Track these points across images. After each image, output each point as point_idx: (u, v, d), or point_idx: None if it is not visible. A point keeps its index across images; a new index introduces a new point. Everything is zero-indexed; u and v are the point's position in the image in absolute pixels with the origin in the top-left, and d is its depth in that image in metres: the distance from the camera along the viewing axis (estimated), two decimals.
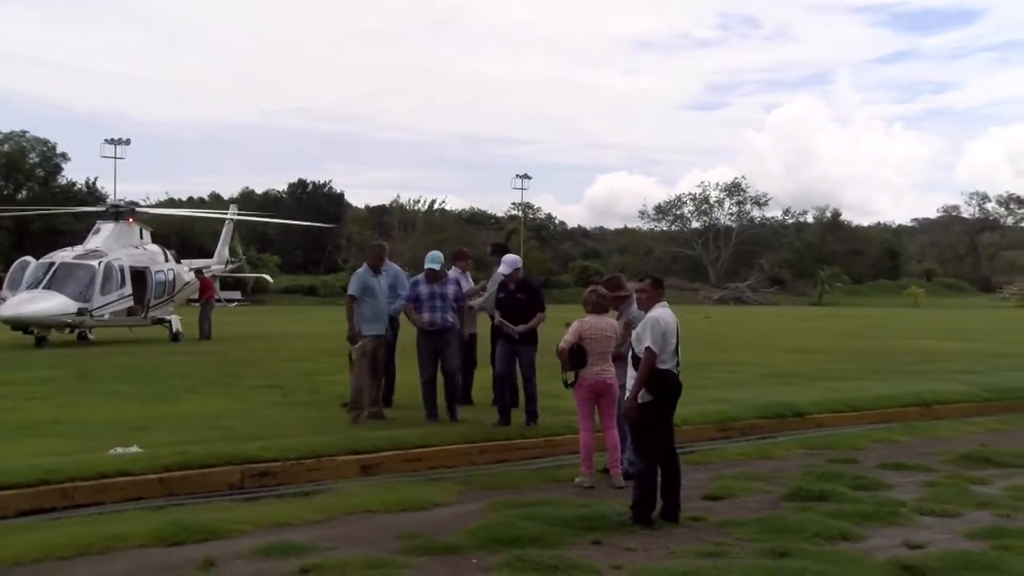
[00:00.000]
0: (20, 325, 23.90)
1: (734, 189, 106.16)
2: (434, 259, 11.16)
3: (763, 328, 37.26)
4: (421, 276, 11.26)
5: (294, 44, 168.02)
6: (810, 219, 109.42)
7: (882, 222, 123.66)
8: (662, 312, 7.66)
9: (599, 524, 7.29)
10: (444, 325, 11.03)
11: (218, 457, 8.91)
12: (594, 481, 8.93)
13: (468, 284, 12.46)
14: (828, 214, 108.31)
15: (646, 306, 7.87)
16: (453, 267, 12.37)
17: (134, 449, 9.04)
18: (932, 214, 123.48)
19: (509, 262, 11.02)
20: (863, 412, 13.39)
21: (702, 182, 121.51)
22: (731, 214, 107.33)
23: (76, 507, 7.85)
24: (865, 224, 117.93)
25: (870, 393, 14.66)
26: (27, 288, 24.33)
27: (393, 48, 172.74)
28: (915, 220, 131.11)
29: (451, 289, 11.18)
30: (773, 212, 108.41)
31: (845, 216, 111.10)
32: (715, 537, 7.04)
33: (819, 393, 14.55)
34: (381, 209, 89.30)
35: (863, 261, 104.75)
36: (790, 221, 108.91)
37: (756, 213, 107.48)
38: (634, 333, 7.75)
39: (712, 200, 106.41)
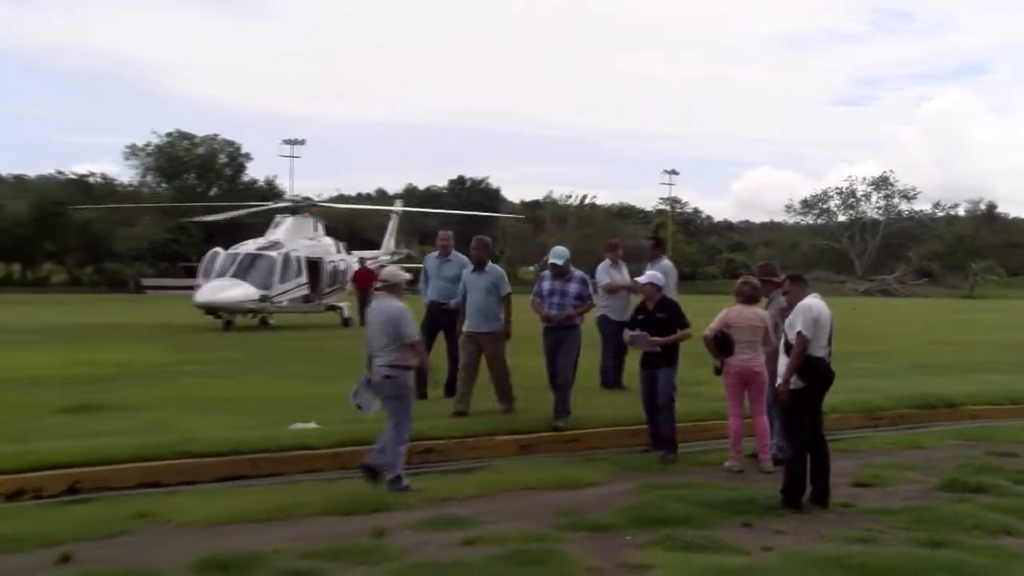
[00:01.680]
0: (211, 310, 25.24)
1: (882, 183, 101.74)
2: (557, 255, 10.09)
3: (911, 319, 35.55)
4: (545, 272, 10.32)
5: (453, 48, 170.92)
6: (962, 212, 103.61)
7: None
8: (814, 300, 7.45)
9: (748, 507, 7.14)
10: (561, 322, 10.00)
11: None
12: (743, 465, 8.75)
13: (620, 275, 12.24)
14: (982, 206, 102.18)
15: (793, 302, 7.65)
16: (606, 258, 12.27)
17: (312, 425, 9.39)
18: None
19: (649, 276, 9.82)
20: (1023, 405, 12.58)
21: (849, 176, 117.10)
22: (878, 208, 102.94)
23: (262, 476, 8.21)
24: None
25: None
26: (217, 276, 25.69)
27: (546, 50, 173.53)
28: None
29: (573, 287, 10.02)
30: (922, 206, 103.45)
31: (1001, 208, 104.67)
32: (865, 524, 6.77)
33: (972, 385, 13.73)
34: (535, 204, 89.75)
35: (1020, 254, 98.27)
36: (940, 214, 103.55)
37: (904, 207, 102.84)
38: (787, 320, 7.55)
39: (859, 194, 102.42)
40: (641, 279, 9.87)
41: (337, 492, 7.51)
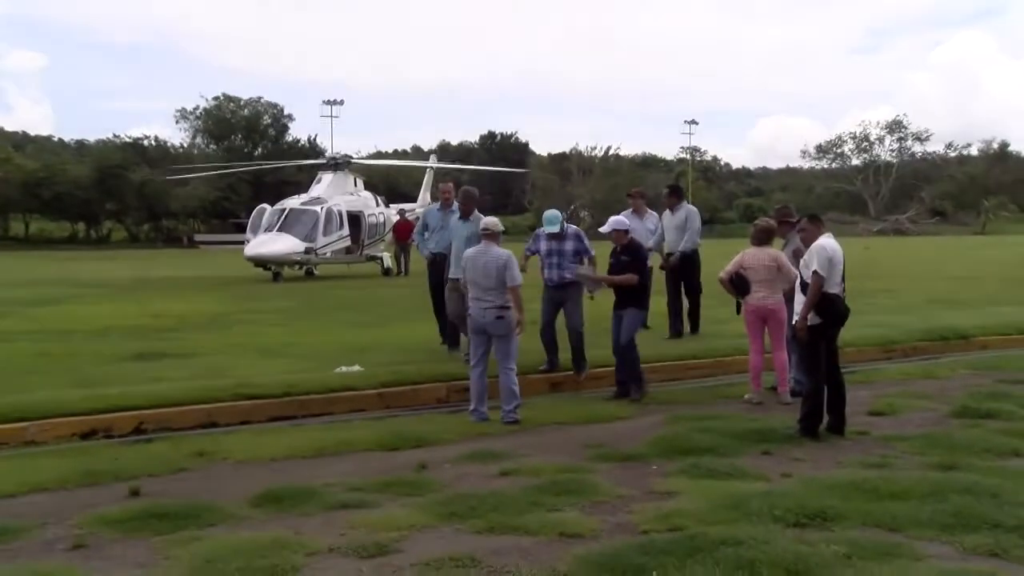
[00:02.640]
0: (260, 263, 25.45)
1: (895, 126, 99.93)
2: (551, 220, 9.35)
3: (923, 257, 35.05)
4: (541, 230, 9.53)
5: (479, 11, 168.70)
6: (974, 152, 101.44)
7: None
8: (827, 240, 7.33)
9: (768, 436, 7.11)
10: (561, 281, 9.39)
11: (427, 375, 9.21)
12: (763, 398, 8.71)
13: (647, 224, 11.88)
14: (995, 146, 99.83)
15: (808, 241, 7.54)
16: (629, 208, 12.01)
17: (356, 368, 9.46)
18: None
19: (612, 223, 9.16)
20: None
21: (862, 121, 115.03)
22: (892, 150, 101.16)
23: (311, 416, 8.30)
24: None
25: None
26: (264, 231, 25.84)
27: (568, 11, 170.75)
28: None
29: (570, 245, 9.39)
30: (934, 147, 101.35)
31: (1014, 148, 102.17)
32: (881, 450, 6.73)
33: (983, 318, 13.55)
34: (562, 156, 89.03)
35: None
36: (953, 155, 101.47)
37: (917, 148, 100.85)
38: (802, 260, 7.44)
39: (872, 138, 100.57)
40: (604, 227, 9.15)
41: (381, 429, 7.57)
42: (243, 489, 5.81)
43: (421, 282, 10.51)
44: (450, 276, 9.96)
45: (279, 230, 25.60)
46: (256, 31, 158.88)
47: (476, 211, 9.97)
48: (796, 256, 8.21)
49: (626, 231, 9.08)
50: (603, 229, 9.15)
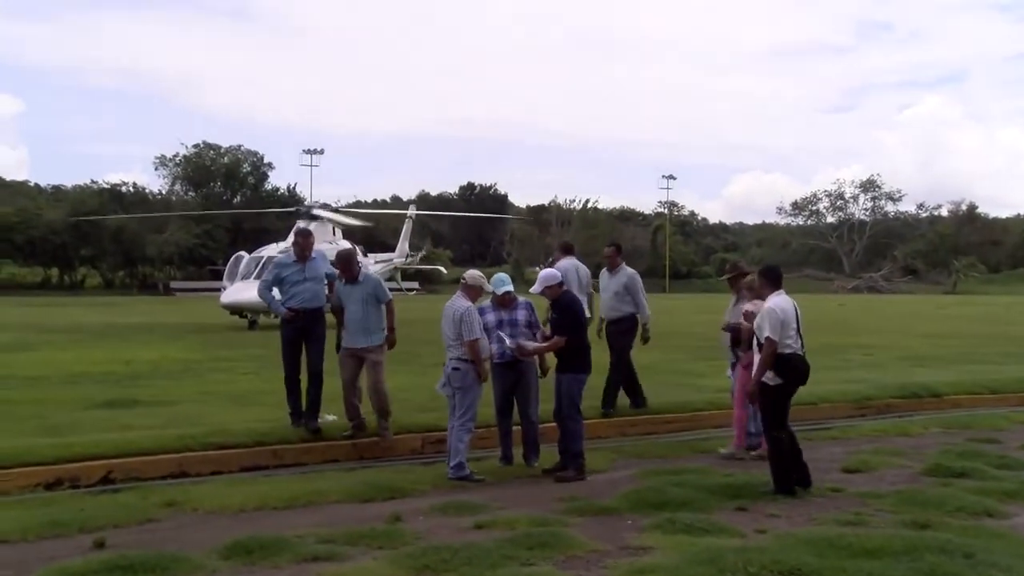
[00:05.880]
0: (236, 310, 25.31)
1: (869, 185, 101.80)
2: (503, 281, 8.23)
3: (897, 315, 35.43)
4: (486, 303, 8.33)
5: (458, 63, 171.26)
6: (944, 212, 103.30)
7: (1022, 214, 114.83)
8: (778, 300, 7.29)
9: (743, 492, 7.11)
10: (513, 357, 8.14)
11: (402, 426, 9.15)
12: (742, 453, 8.70)
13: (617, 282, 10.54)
14: (963, 207, 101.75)
15: (759, 295, 7.57)
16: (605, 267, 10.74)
17: (331, 417, 9.38)
18: None
19: (542, 279, 8.24)
20: (1003, 395, 12.53)
21: (837, 179, 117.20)
22: (865, 209, 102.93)
23: (283, 466, 8.23)
24: (1003, 216, 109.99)
25: (1009, 376, 13.69)
26: (241, 279, 25.76)
27: (548, 63, 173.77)
28: None
29: (522, 314, 8.23)
30: (906, 207, 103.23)
31: (981, 209, 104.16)
32: (855, 507, 6.73)
33: (956, 375, 13.68)
34: (540, 208, 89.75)
35: (1000, 251, 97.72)
36: (924, 214, 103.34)
37: (890, 208, 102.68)
38: (755, 323, 7.43)
39: (847, 196, 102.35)
40: (534, 287, 8.31)
41: (355, 480, 7.51)
42: (213, 540, 5.71)
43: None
44: (344, 345, 8.99)
45: (256, 278, 25.49)
46: (237, 79, 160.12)
47: (363, 271, 9.15)
48: (745, 317, 8.19)
49: (560, 284, 8.23)
50: (533, 289, 8.28)
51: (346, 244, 30.02)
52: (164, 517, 6.44)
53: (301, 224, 29.28)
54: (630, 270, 10.71)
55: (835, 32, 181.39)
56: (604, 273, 10.71)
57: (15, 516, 6.31)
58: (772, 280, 7.55)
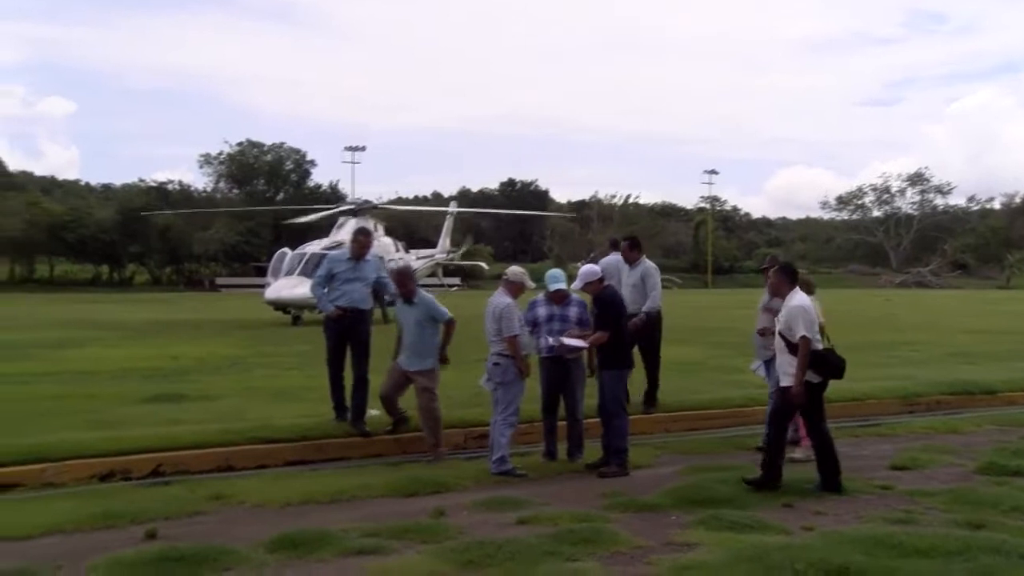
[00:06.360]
0: (280, 306, 25.60)
1: (916, 179, 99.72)
2: (556, 278, 8.21)
3: (946, 310, 34.72)
4: (539, 297, 8.35)
5: (499, 59, 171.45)
6: (996, 205, 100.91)
7: None
8: (803, 298, 7.21)
9: (789, 489, 7.02)
10: (562, 353, 8.07)
11: (445, 422, 9.11)
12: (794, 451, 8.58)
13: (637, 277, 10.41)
14: (1017, 199, 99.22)
15: (776, 292, 7.47)
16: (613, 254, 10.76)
17: (374, 412, 9.42)
18: None
19: (582, 275, 8.11)
20: None
21: (883, 173, 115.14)
22: (913, 203, 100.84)
23: (328, 460, 8.30)
24: None
25: None
26: (285, 275, 26.04)
27: (591, 62, 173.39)
28: None
29: (574, 311, 8.18)
30: (956, 200, 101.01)
31: None
32: (904, 505, 6.62)
33: (1009, 372, 13.37)
34: (581, 204, 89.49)
35: None
36: (975, 208, 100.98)
37: (939, 201, 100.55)
38: (783, 322, 7.26)
39: (893, 190, 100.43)
40: (575, 283, 8.18)
41: (398, 475, 7.55)
42: (259, 533, 5.78)
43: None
44: (398, 362, 8.82)
45: (299, 274, 25.78)
46: (281, 78, 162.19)
47: (419, 291, 8.84)
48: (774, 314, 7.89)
49: (600, 279, 8.14)
50: (574, 286, 8.17)
51: (387, 240, 30.30)
52: (212, 510, 6.53)
53: (343, 220, 29.63)
54: (649, 263, 10.51)
55: (883, 24, 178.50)
56: (624, 268, 10.52)
57: (69, 507, 6.45)
58: (792, 278, 7.46)
